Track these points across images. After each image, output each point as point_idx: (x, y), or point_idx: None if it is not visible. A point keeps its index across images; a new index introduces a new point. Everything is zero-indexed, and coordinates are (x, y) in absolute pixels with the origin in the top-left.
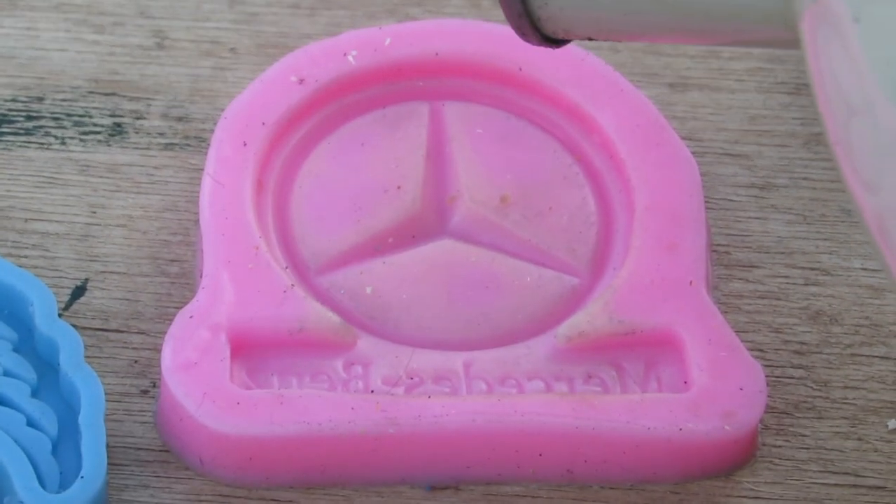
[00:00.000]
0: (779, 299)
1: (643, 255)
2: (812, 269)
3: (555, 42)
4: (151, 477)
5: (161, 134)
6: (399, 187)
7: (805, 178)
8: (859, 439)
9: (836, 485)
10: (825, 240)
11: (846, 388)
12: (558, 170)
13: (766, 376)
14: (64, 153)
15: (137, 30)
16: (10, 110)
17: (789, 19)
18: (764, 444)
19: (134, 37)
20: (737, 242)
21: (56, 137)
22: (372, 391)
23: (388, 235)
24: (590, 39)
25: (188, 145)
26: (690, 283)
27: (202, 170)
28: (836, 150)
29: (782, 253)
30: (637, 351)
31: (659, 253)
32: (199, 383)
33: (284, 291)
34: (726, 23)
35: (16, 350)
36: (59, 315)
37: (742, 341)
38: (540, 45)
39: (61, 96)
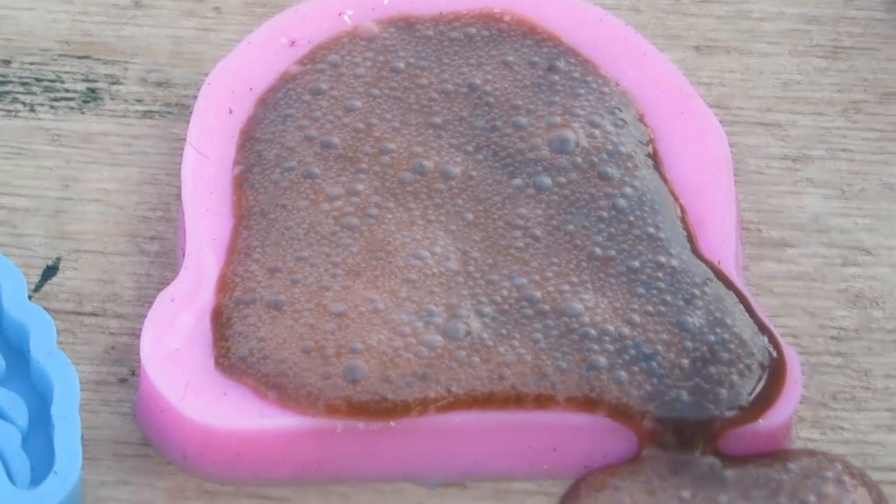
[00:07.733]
0: (815, 281)
1: None
2: (851, 248)
3: None
4: (130, 472)
5: (139, 100)
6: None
7: (843, 150)
8: None
9: (877, 482)
10: (865, 216)
11: (888, 376)
12: None
13: (802, 364)
14: (33, 121)
15: None
16: None
17: None
18: (799, 438)
19: None
20: (769, 219)
21: (25, 104)
22: None
23: None
24: None
25: (169, 113)
26: (718, 263)
27: (184, 139)
28: None
29: (818, 231)
30: None
31: None
32: (181, 371)
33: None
34: None
35: None
36: (29, 297)
37: (775, 326)
38: None
39: (30, 59)
